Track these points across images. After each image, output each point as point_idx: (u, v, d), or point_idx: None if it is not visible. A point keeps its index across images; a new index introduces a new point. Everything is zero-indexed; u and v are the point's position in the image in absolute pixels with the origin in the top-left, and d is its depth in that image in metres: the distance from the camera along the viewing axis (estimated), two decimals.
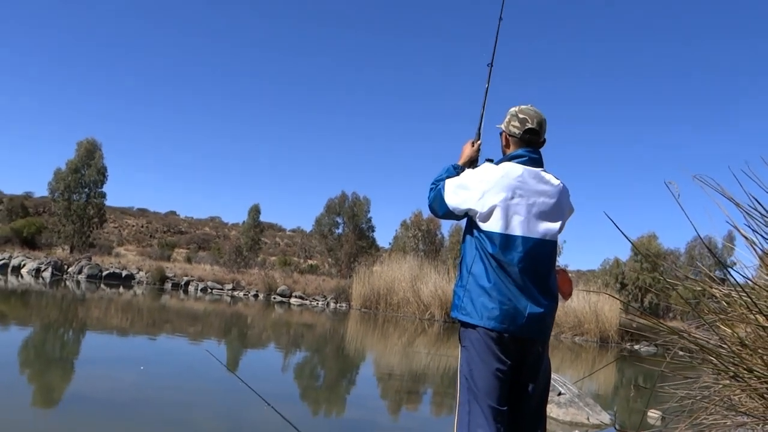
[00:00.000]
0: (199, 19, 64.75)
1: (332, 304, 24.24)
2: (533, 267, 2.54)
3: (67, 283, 21.15)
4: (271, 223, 53.68)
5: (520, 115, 2.73)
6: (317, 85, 66.66)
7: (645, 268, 30.90)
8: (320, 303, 24.34)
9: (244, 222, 33.89)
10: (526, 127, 2.70)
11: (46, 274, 22.08)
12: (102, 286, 21.28)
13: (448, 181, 2.74)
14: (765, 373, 1.56)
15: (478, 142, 2.99)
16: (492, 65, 3.22)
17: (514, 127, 2.73)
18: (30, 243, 28.06)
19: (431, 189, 2.83)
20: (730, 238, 28.28)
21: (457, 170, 2.85)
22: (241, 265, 28.33)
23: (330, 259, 33.21)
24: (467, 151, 2.96)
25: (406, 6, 67.00)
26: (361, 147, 63.51)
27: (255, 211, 32.79)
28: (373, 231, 33.40)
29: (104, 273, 23.32)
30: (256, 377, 7.98)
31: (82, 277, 22.67)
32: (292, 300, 24.28)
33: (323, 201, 34.25)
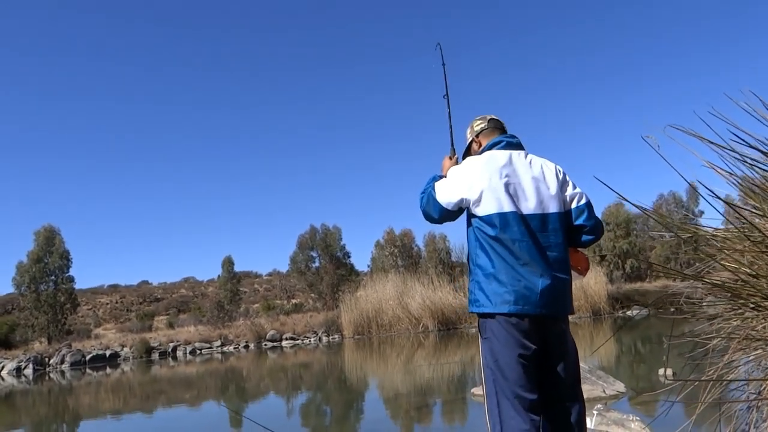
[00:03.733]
0: (138, 83, 64.18)
1: (324, 338, 23.94)
2: (537, 241, 2.53)
3: (51, 375, 20.46)
4: (247, 272, 53.09)
5: (477, 118, 2.94)
6: (266, 129, 66.53)
7: (619, 235, 31.36)
8: (312, 339, 24.03)
9: (219, 276, 33.36)
10: (488, 118, 2.89)
11: (28, 371, 21.34)
12: (88, 370, 20.65)
13: (436, 184, 2.80)
14: None
15: (455, 156, 3.09)
16: (447, 96, 3.36)
17: (478, 126, 2.91)
18: (5, 343, 27.11)
19: (422, 197, 2.86)
20: (693, 189, 29.03)
21: (442, 178, 2.90)
22: (225, 319, 27.85)
23: (313, 294, 32.88)
24: (447, 163, 3.06)
25: (352, 33, 67.54)
26: (321, 179, 63.41)
27: (228, 262, 32.30)
28: (349, 257, 33.27)
29: (88, 357, 22.64)
30: (260, 428, 7.75)
31: (65, 367, 21.98)
32: (284, 343, 23.91)
33: (294, 239, 33.98)
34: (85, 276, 72.37)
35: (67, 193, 60.62)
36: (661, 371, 8.48)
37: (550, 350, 2.53)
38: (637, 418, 5.07)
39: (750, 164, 1.84)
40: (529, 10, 66.10)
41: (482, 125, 2.89)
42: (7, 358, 22.79)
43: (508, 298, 2.46)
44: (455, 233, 49.82)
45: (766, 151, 1.61)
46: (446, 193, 2.71)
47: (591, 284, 21.98)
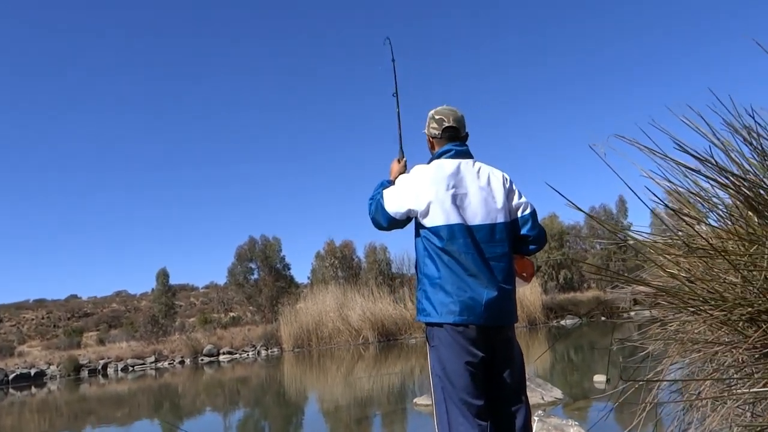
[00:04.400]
0: (59, 89, 61.81)
1: (263, 352, 23.53)
2: (483, 253, 2.57)
3: None
4: (183, 285, 51.61)
5: (437, 116, 2.86)
6: (203, 137, 65.22)
7: (553, 246, 32.23)
8: (251, 353, 23.57)
9: (153, 289, 32.42)
10: (444, 126, 2.82)
11: None
12: (11, 390, 19.54)
13: (384, 192, 2.80)
14: (720, 301, 1.59)
15: (404, 159, 3.08)
16: (397, 94, 3.32)
17: (433, 129, 2.86)
18: None
19: (370, 204, 2.87)
20: (622, 202, 29.90)
21: (390, 183, 2.91)
22: (160, 334, 26.98)
23: (251, 307, 32.32)
24: (395, 167, 3.04)
25: (282, 42, 67.08)
26: (260, 189, 62.46)
27: (163, 275, 31.40)
28: (289, 269, 32.90)
29: (11, 376, 21.41)
30: None
31: None
32: (221, 357, 23.34)
33: (232, 250, 33.34)
34: (8, 290, 68.92)
35: None
36: (596, 377, 8.73)
37: (496, 357, 2.57)
38: (576, 423, 5.23)
39: (684, 173, 1.92)
40: (480, 20, 67.51)
41: (436, 132, 2.84)
42: None
43: (453, 308, 2.51)
44: (395, 244, 50.09)
45: (701, 158, 1.68)
46: (394, 203, 2.73)
47: (527, 295, 22.47)
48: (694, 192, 1.94)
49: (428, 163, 2.82)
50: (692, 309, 1.68)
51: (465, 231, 2.58)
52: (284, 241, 33.36)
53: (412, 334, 22.82)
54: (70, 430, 10.77)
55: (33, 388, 19.82)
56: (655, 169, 2.01)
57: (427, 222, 2.63)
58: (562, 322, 23.81)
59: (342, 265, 31.27)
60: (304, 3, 68.54)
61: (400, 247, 40.32)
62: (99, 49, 63.12)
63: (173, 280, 33.37)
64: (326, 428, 8.36)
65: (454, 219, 2.58)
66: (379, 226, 2.84)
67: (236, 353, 23.61)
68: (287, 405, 11.23)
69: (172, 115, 64.35)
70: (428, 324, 2.61)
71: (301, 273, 62.85)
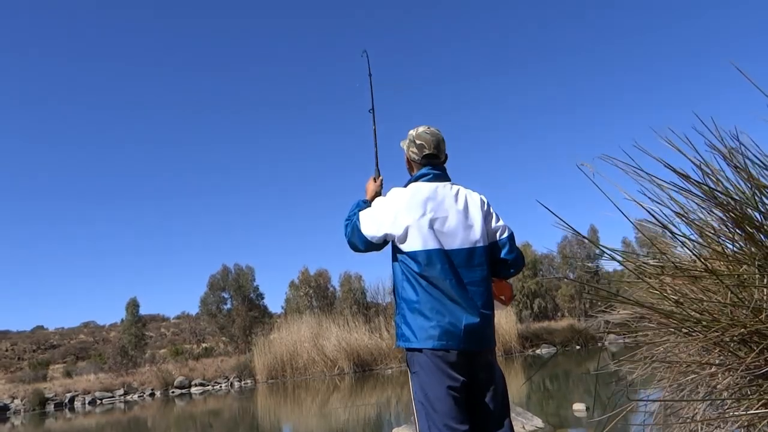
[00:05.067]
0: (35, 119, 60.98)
1: (236, 384, 23.07)
2: (460, 279, 2.54)
3: None
4: (153, 315, 50.60)
5: (417, 141, 2.80)
6: (175, 166, 64.70)
7: (527, 275, 32.39)
8: (224, 385, 23.09)
9: (122, 320, 31.68)
10: (424, 153, 2.78)
11: None
12: None
13: (361, 214, 2.76)
14: (713, 322, 1.57)
15: (380, 177, 3.04)
16: (373, 110, 3.27)
17: (414, 153, 2.81)
18: None
19: (346, 225, 2.82)
20: (593, 231, 30.26)
21: (366, 204, 2.87)
22: (129, 366, 26.34)
23: (224, 338, 31.78)
24: (371, 186, 3.00)
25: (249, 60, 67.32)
26: (233, 218, 61.97)
27: (133, 305, 30.75)
28: (262, 299, 32.55)
29: None
30: None
31: None
32: (193, 389, 22.81)
33: (204, 280, 32.85)
34: None
35: None
36: (575, 406, 8.71)
37: (477, 382, 2.54)
38: None
39: (669, 194, 1.92)
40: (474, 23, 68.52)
41: (416, 157, 2.81)
42: None
43: (432, 333, 2.48)
44: (370, 273, 49.97)
45: (689, 178, 1.69)
46: (370, 227, 2.70)
47: (502, 323, 22.48)
48: (678, 213, 1.95)
49: (405, 185, 2.78)
50: (686, 330, 1.67)
51: (443, 256, 2.55)
52: (258, 270, 33.06)
53: (388, 364, 22.61)
54: None
55: None
56: (639, 190, 2.02)
57: (405, 247, 2.60)
58: (538, 351, 23.81)
59: (317, 295, 30.99)
60: (262, 37, 69.02)
61: (375, 275, 40.21)
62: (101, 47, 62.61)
63: (143, 311, 32.70)
64: None
65: (432, 244, 2.56)
66: (355, 249, 2.80)
67: (209, 385, 23.11)
68: None
69: (143, 144, 63.89)
70: (408, 349, 2.57)
71: (274, 303, 62.11)
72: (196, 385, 23.05)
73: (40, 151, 60.37)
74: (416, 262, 2.56)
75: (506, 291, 2.81)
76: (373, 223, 2.69)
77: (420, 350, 2.50)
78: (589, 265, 30.74)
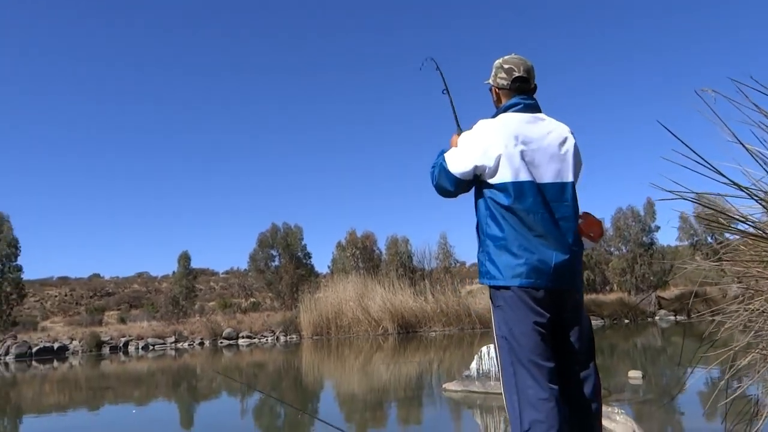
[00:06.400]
0: (90, 78, 62.46)
1: (282, 338, 23.59)
2: (552, 213, 2.42)
3: None
4: (203, 269, 51.97)
5: (506, 66, 2.65)
6: (228, 127, 65.60)
7: None
8: (270, 339, 23.65)
9: (174, 272, 32.57)
10: (514, 76, 2.62)
11: None
12: (34, 363, 19.83)
13: (446, 155, 2.63)
14: None
15: (462, 133, 2.86)
16: (447, 90, 3.15)
17: (502, 79, 2.66)
18: None
19: (432, 171, 2.69)
20: (650, 204, 29.28)
21: None
22: (180, 315, 27.21)
23: (271, 294, 32.41)
24: (455, 140, 2.82)
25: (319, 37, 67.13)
26: (284, 178, 62.69)
27: (185, 258, 31.52)
28: (310, 258, 32.92)
29: (34, 349, 21.76)
30: (213, 427, 7.53)
31: (10, 359, 21.08)
32: (240, 341, 23.45)
33: (254, 237, 33.38)
34: (33, 267, 70.19)
35: (17, 183, 58.46)
36: (630, 373, 8.76)
37: (564, 320, 2.45)
38: (623, 411, 5.32)
39: None
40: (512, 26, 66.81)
41: (504, 82, 2.65)
42: None
43: (520, 270, 2.37)
44: (417, 236, 49.99)
45: None
46: (459, 163, 2.56)
47: None
48: None
49: (493, 116, 2.63)
50: None
51: (535, 189, 2.43)
52: (306, 231, 33.38)
53: (432, 327, 22.69)
54: (89, 405, 10.83)
55: (55, 361, 20.09)
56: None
57: (494, 180, 2.46)
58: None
59: (363, 256, 31.15)
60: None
61: (422, 239, 40.14)
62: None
63: (194, 264, 33.54)
64: (343, 416, 8.27)
65: (524, 176, 2.43)
66: (445, 192, 2.67)
67: (255, 338, 23.70)
68: (304, 391, 11.17)
69: (204, 106, 64.82)
70: (492, 287, 2.47)
71: (321, 263, 62.90)
72: (243, 337, 23.67)
73: (104, 110, 61.95)
74: (506, 195, 2.43)
75: (595, 228, 2.62)
76: (461, 158, 2.55)
77: (507, 288, 2.40)
78: (644, 240, 29.98)
